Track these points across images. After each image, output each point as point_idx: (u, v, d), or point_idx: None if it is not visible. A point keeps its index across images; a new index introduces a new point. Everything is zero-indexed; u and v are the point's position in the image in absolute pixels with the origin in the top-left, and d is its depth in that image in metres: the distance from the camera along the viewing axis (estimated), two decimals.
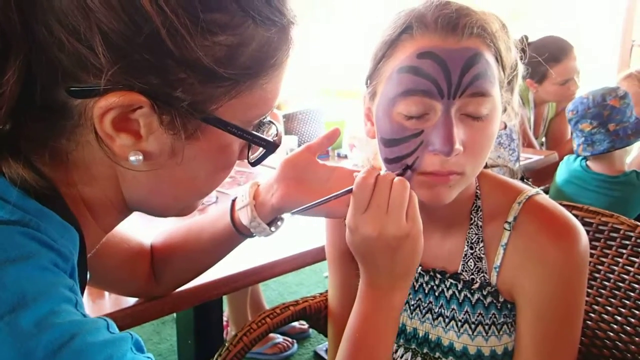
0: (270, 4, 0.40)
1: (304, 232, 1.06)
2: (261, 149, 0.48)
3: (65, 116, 0.39)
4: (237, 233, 0.71)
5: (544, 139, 2.29)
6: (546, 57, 1.88)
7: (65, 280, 0.38)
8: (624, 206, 1.50)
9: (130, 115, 0.38)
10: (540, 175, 1.94)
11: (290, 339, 2.00)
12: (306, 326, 2.10)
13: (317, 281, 2.56)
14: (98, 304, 0.81)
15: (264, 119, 0.46)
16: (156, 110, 0.38)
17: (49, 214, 0.40)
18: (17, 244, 0.36)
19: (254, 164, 0.49)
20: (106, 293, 0.83)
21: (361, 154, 1.95)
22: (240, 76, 0.40)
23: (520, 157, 1.63)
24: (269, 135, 0.48)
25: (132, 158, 0.40)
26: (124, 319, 0.78)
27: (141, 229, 0.75)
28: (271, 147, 0.46)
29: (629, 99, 1.49)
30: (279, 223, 0.72)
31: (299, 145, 2.38)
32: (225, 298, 1.79)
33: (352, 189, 0.58)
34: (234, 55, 0.39)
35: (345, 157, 1.96)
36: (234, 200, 0.73)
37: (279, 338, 1.97)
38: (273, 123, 0.48)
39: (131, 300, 0.81)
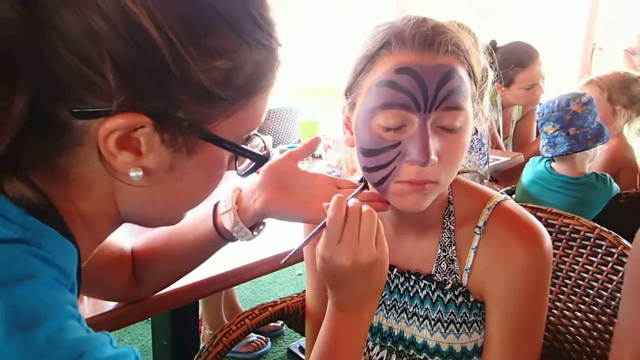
0: (261, 28, 0.43)
1: (281, 234, 1.08)
2: (248, 161, 0.51)
3: (67, 135, 0.40)
4: (220, 237, 0.73)
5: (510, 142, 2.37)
6: (513, 63, 1.95)
7: (67, 296, 0.39)
8: (584, 206, 1.58)
9: (131, 134, 0.40)
10: (507, 175, 2.02)
11: (264, 337, 2.01)
12: (280, 324, 2.12)
13: (290, 279, 2.58)
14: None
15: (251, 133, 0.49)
16: (158, 129, 0.40)
17: (48, 231, 0.41)
18: (22, 262, 0.37)
19: (244, 176, 0.52)
20: (85, 297, 0.83)
21: (335, 155, 1.98)
22: (235, 97, 0.43)
23: (489, 160, 1.70)
24: (255, 146, 0.51)
25: (132, 174, 0.41)
26: (105, 324, 0.78)
27: (121, 234, 0.75)
28: (261, 160, 0.49)
29: (592, 106, 1.56)
30: (261, 227, 0.74)
31: (274, 145, 2.37)
32: None
33: (325, 223, 0.61)
34: (230, 78, 0.42)
35: (320, 157, 1.98)
36: (215, 205, 0.74)
37: (253, 336, 1.98)
38: (257, 135, 0.51)
39: (110, 305, 0.82)
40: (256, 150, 0.49)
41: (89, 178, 0.43)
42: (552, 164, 1.67)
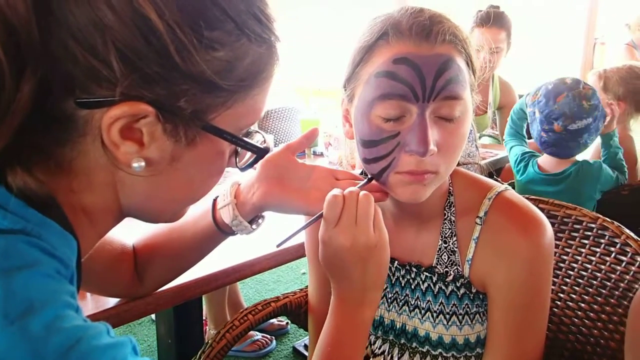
0: (260, 22, 0.44)
1: (283, 229, 1.08)
2: (247, 156, 0.52)
3: (71, 126, 0.40)
4: (219, 231, 0.73)
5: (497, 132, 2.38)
6: None
7: (66, 287, 0.39)
8: (574, 195, 1.59)
9: (134, 124, 0.40)
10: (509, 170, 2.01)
11: (268, 336, 2.01)
12: (284, 322, 2.12)
13: (295, 278, 2.58)
14: (80, 305, 0.81)
15: (250, 128, 0.50)
16: (160, 119, 0.41)
17: (49, 223, 0.41)
18: (22, 252, 0.38)
19: (243, 169, 0.53)
20: (88, 294, 0.83)
21: (336, 152, 1.97)
22: (236, 87, 0.44)
23: (478, 147, 1.70)
24: (256, 142, 0.51)
25: (135, 165, 0.42)
26: (108, 320, 0.76)
27: (123, 230, 0.75)
28: (262, 152, 0.50)
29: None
30: (259, 221, 0.74)
31: (275, 144, 2.39)
32: (204, 297, 1.79)
33: (322, 213, 0.62)
34: (231, 69, 0.43)
35: (321, 155, 1.98)
36: (215, 200, 0.74)
37: (258, 335, 1.99)
38: (257, 131, 0.52)
39: (113, 301, 0.82)
40: (256, 143, 0.49)
41: (91, 170, 0.43)
42: (539, 161, 1.68)
